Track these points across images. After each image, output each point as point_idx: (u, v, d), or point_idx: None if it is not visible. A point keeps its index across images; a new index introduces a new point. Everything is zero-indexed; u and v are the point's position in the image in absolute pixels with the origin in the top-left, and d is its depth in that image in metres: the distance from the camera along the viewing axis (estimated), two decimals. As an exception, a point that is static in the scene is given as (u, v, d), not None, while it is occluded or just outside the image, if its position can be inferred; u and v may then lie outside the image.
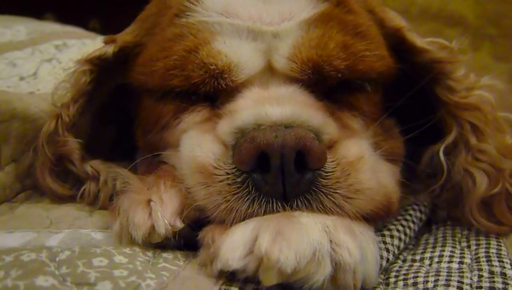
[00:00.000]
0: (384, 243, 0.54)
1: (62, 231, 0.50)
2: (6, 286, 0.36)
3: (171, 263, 0.44)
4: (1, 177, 0.59)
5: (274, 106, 0.48)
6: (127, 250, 0.45)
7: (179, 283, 0.40)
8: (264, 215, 0.46)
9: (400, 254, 0.56)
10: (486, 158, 0.59)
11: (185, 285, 0.40)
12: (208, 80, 0.51)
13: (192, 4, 0.55)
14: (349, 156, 0.49)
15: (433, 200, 0.63)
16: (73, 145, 0.60)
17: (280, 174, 0.45)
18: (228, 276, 0.41)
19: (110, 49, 0.61)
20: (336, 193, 0.47)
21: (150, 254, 0.46)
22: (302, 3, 0.55)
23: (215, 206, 0.47)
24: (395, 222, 0.58)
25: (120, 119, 0.66)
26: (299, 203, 0.46)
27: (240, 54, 0.52)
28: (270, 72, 0.53)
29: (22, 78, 0.79)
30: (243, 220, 0.46)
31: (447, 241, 0.58)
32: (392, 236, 0.56)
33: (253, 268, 0.40)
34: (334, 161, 0.48)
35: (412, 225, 0.60)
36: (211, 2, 0.54)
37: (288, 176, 0.45)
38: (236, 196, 0.46)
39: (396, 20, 0.62)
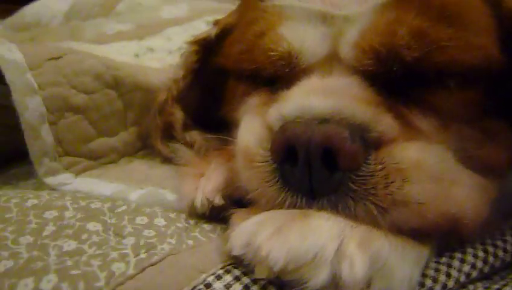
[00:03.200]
0: (449, 266, 0.47)
1: (147, 188, 0.60)
2: (67, 224, 0.47)
3: (204, 234, 0.49)
4: (126, 136, 0.72)
5: (319, 97, 0.46)
6: (173, 215, 0.51)
7: (190, 252, 0.44)
8: (289, 208, 0.46)
9: (471, 282, 0.48)
10: None
11: (194, 255, 0.44)
12: (268, 65, 0.52)
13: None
14: (401, 161, 0.44)
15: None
16: (178, 115, 0.69)
17: (306, 169, 0.43)
18: (237, 258, 0.44)
19: (213, 31, 0.66)
20: (369, 200, 0.43)
21: (192, 222, 0.51)
22: None
23: (251, 189, 0.48)
24: (479, 246, 0.50)
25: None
26: (326, 203, 0.44)
27: (303, 40, 0.50)
28: (334, 59, 0.50)
29: (170, 52, 0.92)
30: (272, 208, 0.47)
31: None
32: (463, 260, 0.48)
33: (250, 258, 0.41)
34: (377, 163, 0.44)
35: (501, 253, 0.50)
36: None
37: (315, 172, 0.43)
38: (267, 183, 0.47)
39: None
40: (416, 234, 0.44)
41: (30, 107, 0.59)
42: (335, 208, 0.43)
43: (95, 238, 0.45)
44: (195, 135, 0.68)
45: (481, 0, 0.50)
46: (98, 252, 0.42)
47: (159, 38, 0.97)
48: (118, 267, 0.41)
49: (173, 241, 0.46)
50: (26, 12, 1.23)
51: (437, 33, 0.46)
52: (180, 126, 0.69)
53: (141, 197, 0.57)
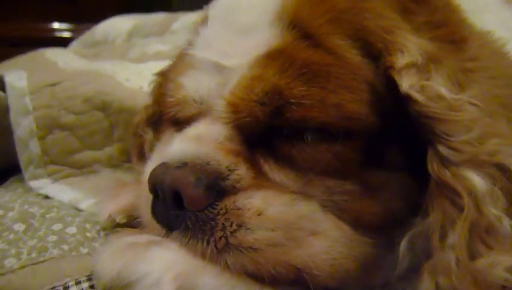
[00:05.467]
0: None
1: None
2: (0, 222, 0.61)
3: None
4: (111, 150, 0.85)
5: (185, 144, 0.53)
6: (89, 225, 0.62)
7: (72, 259, 0.55)
8: (158, 235, 0.53)
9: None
10: None
11: (74, 261, 0.54)
12: (169, 109, 0.59)
13: (194, 37, 0.62)
14: (243, 208, 0.49)
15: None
16: (147, 137, 0.79)
17: (164, 206, 0.51)
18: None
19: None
20: (206, 240, 0.48)
21: (102, 233, 0.62)
22: (269, 35, 0.52)
23: (140, 214, 0.57)
24: None
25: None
26: (178, 236, 0.50)
27: (197, 88, 0.56)
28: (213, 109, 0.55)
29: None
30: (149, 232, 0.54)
31: None
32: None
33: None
34: (222, 208, 0.49)
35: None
36: (201, 35, 0.60)
37: (169, 209, 0.50)
38: (148, 212, 0.54)
39: (407, 50, 0.49)
40: (257, 278, 0.48)
41: (22, 125, 0.76)
42: (183, 241, 0.50)
43: (12, 236, 0.58)
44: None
45: (357, 54, 0.50)
46: (2, 247, 0.55)
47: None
48: (10, 261, 0.53)
49: (67, 247, 0.57)
50: (97, 30, 1.45)
51: (291, 90, 0.48)
52: (148, 147, 0.80)
53: (89, 207, 0.69)
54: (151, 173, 0.52)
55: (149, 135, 0.78)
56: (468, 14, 0.65)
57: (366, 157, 0.51)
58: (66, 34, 2.39)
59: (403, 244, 0.46)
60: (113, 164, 0.86)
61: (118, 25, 1.45)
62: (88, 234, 0.60)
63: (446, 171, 0.44)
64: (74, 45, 1.48)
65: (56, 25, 2.51)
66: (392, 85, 0.49)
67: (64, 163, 0.79)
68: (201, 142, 0.52)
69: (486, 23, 0.67)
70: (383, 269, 0.52)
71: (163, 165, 0.51)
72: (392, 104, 0.50)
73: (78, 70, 0.97)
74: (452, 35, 0.54)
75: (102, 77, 0.93)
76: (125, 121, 0.85)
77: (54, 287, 0.51)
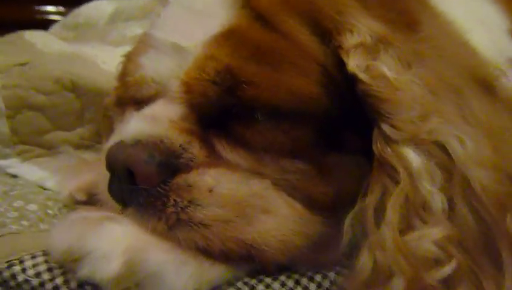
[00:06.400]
0: (253, 288, 0.50)
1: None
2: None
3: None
4: (82, 131, 0.86)
5: (141, 123, 0.53)
6: (51, 202, 0.63)
7: (30, 234, 0.56)
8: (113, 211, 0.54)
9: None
10: None
11: (31, 237, 0.55)
12: (127, 89, 0.60)
13: (156, 18, 0.63)
14: (194, 185, 0.50)
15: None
16: (116, 118, 0.80)
17: (118, 183, 0.52)
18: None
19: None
20: (157, 216, 0.49)
21: (64, 210, 0.63)
22: (224, 16, 0.53)
23: (98, 191, 0.58)
24: (294, 275, 0.52)
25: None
26: (133, 211, 0.51)
27: (155, 68, 0.57)
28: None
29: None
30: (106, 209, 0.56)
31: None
32: (268, 286, 0.51)
33: None
34: (174, 185, 0.50)
35: (314, 287, 0.52)
36: (161, 15, 0.61)
37: (123, 185, 0.51)
38: (105, 189, 0.55)
39: (357, 30, 0.50)
40: (208, 254, 0.49)
41: (-10, 104, 0.76)
42: (136, 217, 0.51)
43: (-28, 213, 0.59)
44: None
45: (308, 35, 0.51)
46: (-38, 223, 0.56)
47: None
48: (-32, 237, 0.54)
49: (26, 223, 0.58)
50: (79, 13, 1.45)
51: (243, 70, 0.49)
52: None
53: (54, 186, 0.70)
54: (107, 151, 0.53)
55: (116, 116, 0.79)
56: (436, 2, 0.66)
57: (319, 138, 0.52)
58: (58, 17, 2.37)
59: (346, 222, 0.48)
60: (85, 145, 0.86)
61: (101, 7, 1.45)
62: (49, 211, 0.61)
63: (388, 149, 0.45)
64: (56, 27, 1.47)
65: (50, 8, 2.49)
66: (342, 66, 0.50)
67: (34, 143, 0.80)
68: (156, 121, 0.53)
69: (453, 10, 0.67)
70: (334, 247, 0.53)
71: (119, 144, 0.52)
72: (344, 85, 0.51)
73: (55, 52, 0.97)
74: (406, 18, 0.54)
75: (79, 58, 0.93)
76: (97, 102, 0.85)
77: (9, 261, 0.52)
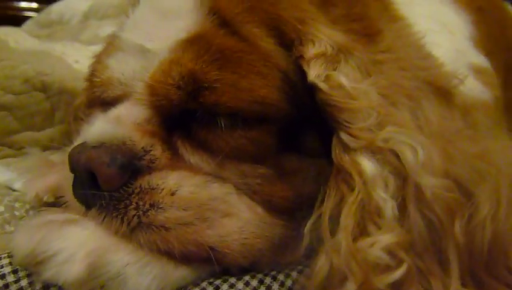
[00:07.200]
0: (217, 288, 0.51)
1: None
2: None
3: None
4: (53, 132, 0.85)
5: (104, 124, 0.54)
6: (19, 204, 0.63)
7: None
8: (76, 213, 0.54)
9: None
10: None
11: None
12: (94, 89, 0.60)
13: (125, 19, 0.63)
14: (156, 187, 0.50)
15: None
16: (86, 119, 0.80)
17: (81, 185, 0.52)
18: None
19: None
20: (119, 218, 0.50)
21: (31, 212, 0.63)
22: (191, 21, 0.54)
23: (63, 193, 0.58)
24: (259, 275, 0.53)
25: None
26: (96, 213, 0.51)
27: (121, 70, 0.57)
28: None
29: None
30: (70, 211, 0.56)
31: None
32: (233, 286, 0.52)
33: None
34: (136, 188, 0.50)
35: (276, 286, 0.53)
36: (130, 17, 0.61)
37: (86, 189, 0.51)
38: (70, 190, 0.56)
39: (318, 40, 0.51)
40: (169, 256, 0.50)
41: (-43, 103, 0.75)
42: (99, 219, 0.51)
43: None
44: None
45: (271, 42, 0.52)
46: None
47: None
48: None
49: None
50: (52, 10, 1.43)
51: (205, 75, 0.50)
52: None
53: (22, 187, 0.70)
54: (70, 152, 0.53)
55: (86, 118, 0.79)
56: (400, 6, 0.68)
57: (280, 143, 0.53)
58: (31, 14, 2.33)
59: (306, 227, 0.49)
60: (55, 146, 0.86)
61: (74, 5, 1.43)
62: (16, 213, 0.61)
63: (346, 156, 0.47)
64: (29, 24, 1.45)
65: (23, 4, 2.44)
66: (304, 74, 0.52)
67: (3, 143, 0.80)
68: (120, 123, 0.54)
69: (416, 14, 0.70)
70: (294, 249, 0.55)
71: (81, 145, 0.52)
72: (306, 92, 0.52)
73: (27, 50, 0.96)
74: (367, 28, 0.56)
75: (50, 57, 0.92)
76: (67, 102, 0.85)
77: (-28, 264, 0.52)
